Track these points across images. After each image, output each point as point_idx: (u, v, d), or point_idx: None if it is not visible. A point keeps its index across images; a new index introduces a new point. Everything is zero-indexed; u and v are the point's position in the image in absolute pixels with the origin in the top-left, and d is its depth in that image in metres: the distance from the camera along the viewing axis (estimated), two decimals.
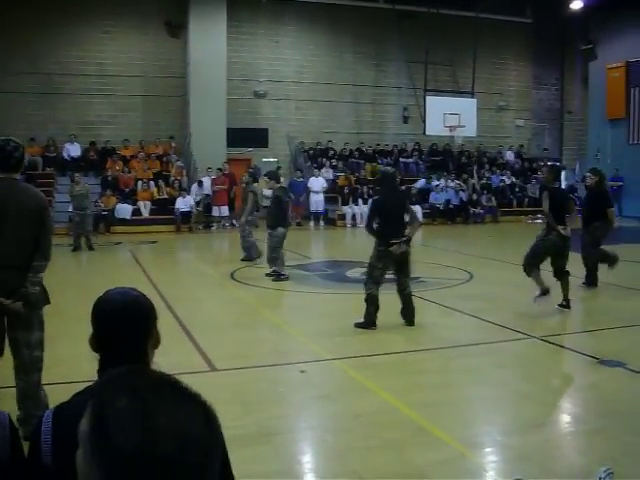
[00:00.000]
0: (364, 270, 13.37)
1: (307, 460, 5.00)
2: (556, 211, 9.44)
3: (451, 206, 25.09)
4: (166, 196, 22.77)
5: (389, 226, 8.52)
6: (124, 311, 2.14)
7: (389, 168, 11.28)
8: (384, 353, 7.55)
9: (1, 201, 4.73)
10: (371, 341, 8.05)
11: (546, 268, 9.59)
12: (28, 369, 4.98)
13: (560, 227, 9.31)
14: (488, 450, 5.06)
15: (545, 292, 9.36)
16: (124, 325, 2.12)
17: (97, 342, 2.15)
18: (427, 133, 26.81)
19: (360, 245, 20.41)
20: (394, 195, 8.83)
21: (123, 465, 0.97)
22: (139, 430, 0.98)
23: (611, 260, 11.13)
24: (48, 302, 5.12)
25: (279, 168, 22.23)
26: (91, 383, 2.09)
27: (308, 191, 24.20)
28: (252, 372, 6.85)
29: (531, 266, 9.40)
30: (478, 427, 5.53)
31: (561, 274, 9.51)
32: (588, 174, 12.03)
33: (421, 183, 25.96)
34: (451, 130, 26.56)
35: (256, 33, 26.48)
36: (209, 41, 24.25)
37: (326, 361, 7.29)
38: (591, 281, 11.27)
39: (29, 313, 4.88)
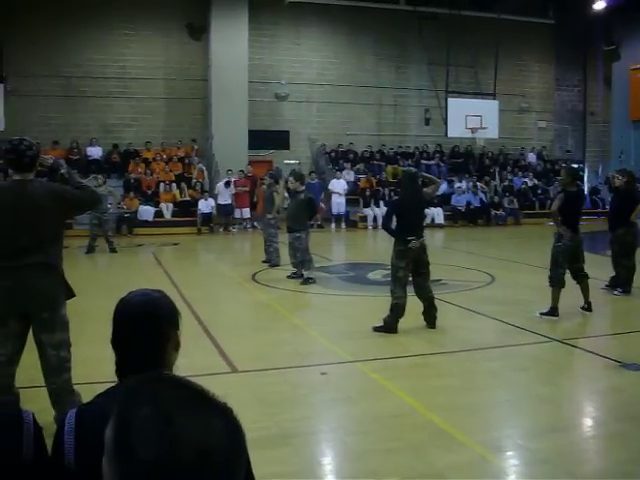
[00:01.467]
0: (386, 272, 13.46)
1: (327, 461, 5.01)
2: (570, 215, 9.32)
3: (472, 208, 25.03)
4: (188, 198, 22.89)
5: (408, 225, 8.55)
6: (143, 313, 2.16)
7: (411, 168, 11.20)
8: (405, 355, 7.55)
9: (14, 209, 4.73)
10: (392, 343, 8.04)
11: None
12: (56, 370, 5.01)
13: (563, 228, 9.25)
14: (509, 453, 5.04)
15: (553, 312, 9.17)
16: (143, 327, 2.13)
17: (116, 343, 2.18)
18: (449, 135, 26.72)
19: (381, 247, 20.38)
20: (414, 195, 8.82)
21: (143, 475, 0.98)
22: (160, 441, 0.99)
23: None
24: (72, 295, 5.11)
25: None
26: (113, 384, 2.13)
27: (329, 193, 24.21)
28: (273, 374, 6.87)
29: (554, 279, 9.25)
30: (499, 430, 5.51)
31: (579, 277, 9.43)
32: (616, 174, 11.70)
33: (443, 188, 25.87)
34: (473, 132, 26.47)
35: (277, 35, 26.54)
36: (230, 43, 24.37)
37: (347, 363, 7.29)
38: (616, 283, 11.00)
39: (52, 315, 4.91)
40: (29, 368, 5.47)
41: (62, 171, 5.14)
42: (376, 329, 8.44)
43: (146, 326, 2.14)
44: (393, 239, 8.74)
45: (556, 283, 9.18)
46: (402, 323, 8.50)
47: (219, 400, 1.09)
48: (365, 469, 4.61)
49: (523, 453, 5.03)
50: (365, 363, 7.27)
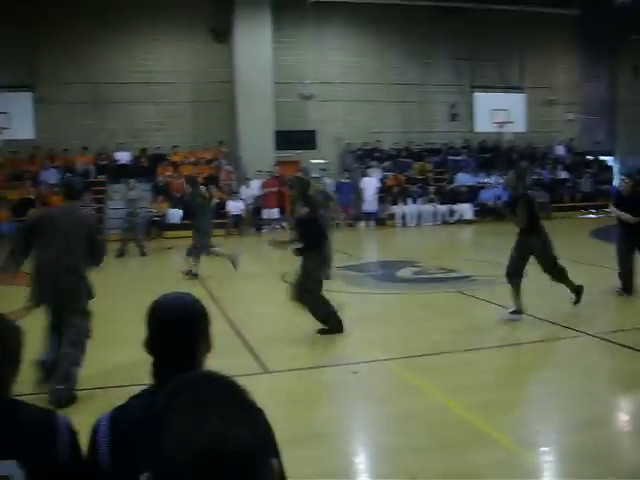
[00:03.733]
0: (415, 270, 13.45)
1: (360, 460, 5.01)
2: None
3: (500, 202, 24.78)
4: (217, 200, 22.96)
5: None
6: (176, 316, 2.19)
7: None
8: (436, 353, 7.51)
9: (58, 219, 6.29)
10: (423, 341, 8.01)
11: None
12: (65, 343, 6.04)
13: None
14: (544, 449, 5.00)
15: (519, 312, 8.91)
16: (176, 330, 2.16)
17: (150, 345, 2.20)
18: (476, 130, 26.59)
19: (410, 245, 20.37)
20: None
21: (179, 474, 1.02)
22: (197, 441, 1.03)
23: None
24: (92, 296, 6.39)
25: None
26: (145, 387, 2.15)
27: (359, 192, 24.19)
28: (305, 373, 6.88)
29: (511, 276, 8.97)
30: (533, 426, 5.46)
31: (551, 272, 9.12)
32: (624, 178, 11.22)
33: (470, 181, 25.73)
34: (500, 126, 26.30)
35: (301, 35, 26.55)
36: (254, 45, 24.44)
37: (378, 362, 7.28)
38: (625, 288, 10.25)
39: (74, 305, 6.17)
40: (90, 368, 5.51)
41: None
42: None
43: (182, 329, 2.17)
44: (419, 236, 8.74)
45: (510, 278, 8.96)
46: (433, 322, 8.47)
47: (250, 399, 1.13)
48: (399, 468, 4.60)
49: (559, 449, 4.99)
50: (396, 361, 7.26)
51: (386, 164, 26.24)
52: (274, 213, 23.04)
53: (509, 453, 4.83)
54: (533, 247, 8.90)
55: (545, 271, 9.07)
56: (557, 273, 9.07)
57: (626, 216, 10.10)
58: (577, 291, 9.23)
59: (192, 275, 12.84)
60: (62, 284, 6.08)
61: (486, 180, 25.74)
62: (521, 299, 8.85)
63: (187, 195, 14.30)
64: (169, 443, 1.05)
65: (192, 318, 2.21)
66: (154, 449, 1.09)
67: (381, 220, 24.22)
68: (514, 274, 8.91)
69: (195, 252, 13.11)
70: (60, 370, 5.92)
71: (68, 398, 5.82)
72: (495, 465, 4.63)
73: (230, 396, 1.13)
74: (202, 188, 13.86)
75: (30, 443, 2.00)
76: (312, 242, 8.26)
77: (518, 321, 8.72)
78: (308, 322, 8.42)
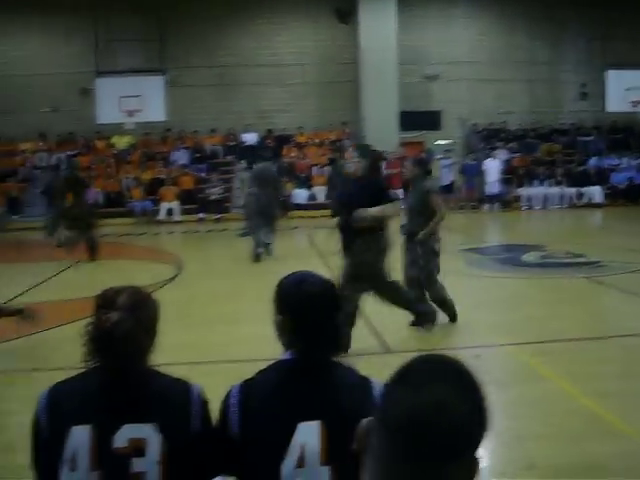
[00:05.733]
0: (542, 254, 13.15)
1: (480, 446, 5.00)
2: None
3: (635, 185, 23.78)
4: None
5: None
6: (323, 296, 2.21)
7: None
8: (561, 339, 7.36)
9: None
10: (547, 327, 7.86)
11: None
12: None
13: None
14: None
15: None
16: (324, 308, 2.19)
17: (292, 326, 2.20)
18: (607, 110, 25.54)
19: (536, 228, 19.90)
20: None
21: (395, 434, 1.14)
22: (414, 402, 1.14)
23: None
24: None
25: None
26: (272, 361, 2.25)
27: (483, 173, 23.79)
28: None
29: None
30: None
31: None
32: None
33: (598, 164, 24.79)
34: (634, 105, 25.17)
35: (426, 15, 26.22)
36: (379, 25, 24.29)
37: (501, 346, 7.22)
38: None
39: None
40: (189, 348, 5.78)
41: None
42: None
43: (327, 307, 2.20)
44: (545, 220, 8.52)
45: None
46: (559, 308, 8.30)
47: (477, 382, 1.26)
48: (518, 455, 4.58)
49: None
50: (519, 346, 7.17)
51: (512, 145, 25.66)
52: (399, 194, 23.00)
53: (635, 445, 4.70)
54: None
55: None
56: None
57: None
58: None
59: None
60: None
61: (618, 162, 24.73)
62: None
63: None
64: (393, 399, 1.17)
65: (334, 295, 2.26)
66: (382, 403, 1.20)
67: (506, 202, 23.73)
68: None
69: None
70: None
71: None
72: (620, 456, 4.52)
73: (457, 374, 1.23)
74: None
75: (166, 410, 2.14)
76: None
77: None
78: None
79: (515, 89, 26.79)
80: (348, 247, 6.99)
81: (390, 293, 7.28)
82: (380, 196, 6.91)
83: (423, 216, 7.66)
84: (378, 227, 6.92)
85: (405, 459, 1.13)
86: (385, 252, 7.07)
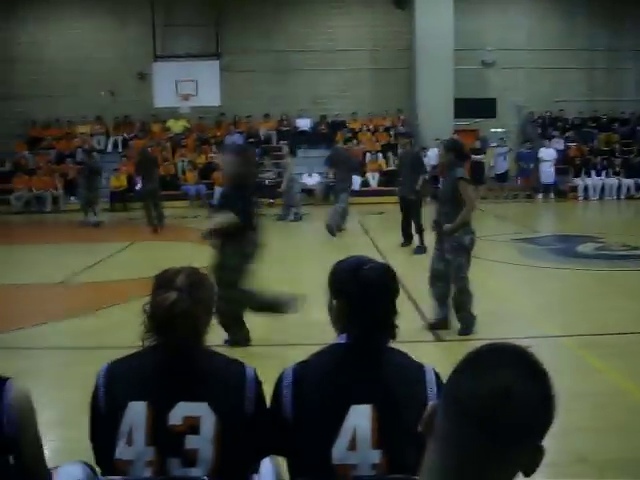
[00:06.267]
0: (598, 245, 12.93)
1: None
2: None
3: None
4: (394, 168, 23.08)
5: None
6: (381, 281, 2.21)
7: None
8: (615, 333, 7.23)
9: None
10: (601, 320, 7.73)
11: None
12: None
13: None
14: None
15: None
16: (382, 295, 2.19)
17: (348, 311, 2.20)
18: None
19: (592, 219, 19.56)
20: None
21: (462, 418, 1.18)
22: (475, 392, 1.18)
23: None
24: None
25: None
26: (323, 345, 2.27)
27: (538, 162, 23.42)
28: (476, 344, 6.82)
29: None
30: None
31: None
32: None
33: None
34: None
35: (483, 1, 25.88)
36: (435, 11, 23.98)
37: (554, 337, 7.14)
38: None
39: None
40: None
41: None
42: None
43: (384, 292, 2.21)
44: (602, 211, 8.34)
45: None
46: (614, 300, 8.16)
47: (544, 370, 1.29)
48: (568, 448, 4.51)
49: None
50: (572, 338, 7.08)
51: (569, 134, 25.20)
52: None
53: None
54: None
55: None
56: None
57: None
58: None
59: None
60: None
61: None
62: None
63: None
64: (462, 384, 1.23)
65: (391, 280, 2.25)
66: (450, 387, 1.26)
67: (561, 192, 23.35)
68: None
69: None
70: None
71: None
72: None
73: (526, 362, 1.27)
74: None
75: (221, 390, 2.18)
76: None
77: None
78: (481, 292, 8.28)
79: (573, 77, 26.27)
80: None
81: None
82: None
83: (452, 206, 6.98)
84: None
85: (470, 442, 1.16)
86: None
